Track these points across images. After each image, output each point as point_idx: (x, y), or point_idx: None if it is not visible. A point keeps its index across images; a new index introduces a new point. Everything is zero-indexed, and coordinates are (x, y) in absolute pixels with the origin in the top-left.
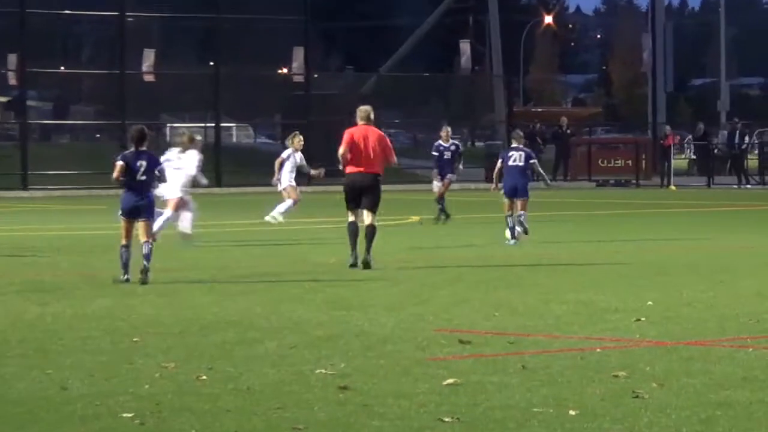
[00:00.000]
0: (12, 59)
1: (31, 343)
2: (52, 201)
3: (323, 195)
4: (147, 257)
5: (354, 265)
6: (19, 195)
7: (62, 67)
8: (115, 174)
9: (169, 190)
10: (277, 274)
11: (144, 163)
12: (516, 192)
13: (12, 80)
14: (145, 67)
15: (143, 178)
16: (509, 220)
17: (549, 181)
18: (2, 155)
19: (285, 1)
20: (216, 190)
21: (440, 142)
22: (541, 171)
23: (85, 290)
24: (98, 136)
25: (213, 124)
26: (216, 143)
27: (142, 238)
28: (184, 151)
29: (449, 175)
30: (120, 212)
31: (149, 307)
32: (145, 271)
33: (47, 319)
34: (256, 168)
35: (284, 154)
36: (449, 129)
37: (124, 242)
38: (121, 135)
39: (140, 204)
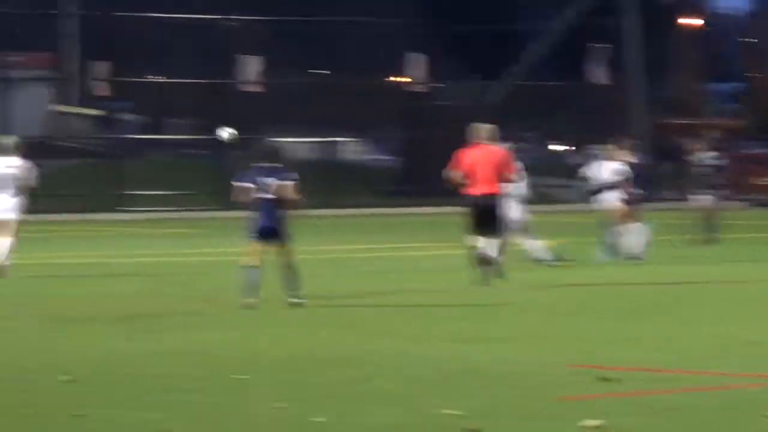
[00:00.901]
0: (101, 68)
1: (128, 380)
2: (144, 224)
3: (437, 217)
4: (293, 285)
5: (482, 283)
6: (110, 217)
7: (157, 77)
8: (234, 196)
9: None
10: (392, 304)
11: (271, 180)
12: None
13: (102, 91)
14: (249, 76)
15: (270, 195)
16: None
17: None
18: (95, 173)
19: (404, 4)
20: (325, 211)
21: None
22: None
23: (190, 322)
24: (196, 152)
25: (322, 139)
26: (326, 160)
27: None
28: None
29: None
30: (252, 234)
31: (259, 342)
32: (294, 300)
33: (144, 355)
34: (369, 186)
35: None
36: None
37: (253, 263)
38: (220, 151)
39: (273, 226)
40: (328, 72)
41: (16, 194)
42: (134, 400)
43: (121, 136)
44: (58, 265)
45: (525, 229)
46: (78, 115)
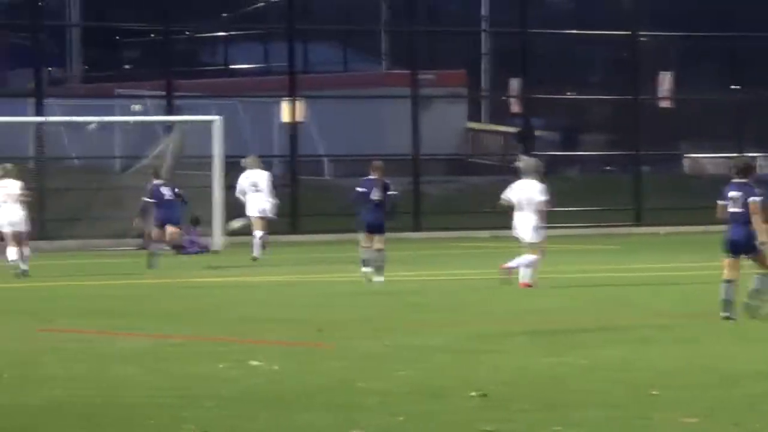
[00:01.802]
0: (514, 84)
1: (541, 396)
2: (559, 240)
3: None
4: (755, 292)
5: None
6: None
7: (569, 93)
8: (717, 213)
9: None
10: None
11: (738, 194)
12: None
13: (515, 108)
14: (661, 93)
15: (737, 210)
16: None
17: None
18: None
19: None
20: None
21: None
22: None
23: (599, 338)
24: (609, 168)
25: (737, 155)
26: None
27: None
28: None
29: None
30: (724, 248)
31: (668, 356)
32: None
33: (556, 370)
34: None
35: None
36: None
37: (727, 277)
38: (634, 167)
39: (740, 239)
40: (740, 87)
41: (535, 215)
42: (549, 414)
43: (535, 153)
44: (468, 281)
45: None
46: (491, 132)
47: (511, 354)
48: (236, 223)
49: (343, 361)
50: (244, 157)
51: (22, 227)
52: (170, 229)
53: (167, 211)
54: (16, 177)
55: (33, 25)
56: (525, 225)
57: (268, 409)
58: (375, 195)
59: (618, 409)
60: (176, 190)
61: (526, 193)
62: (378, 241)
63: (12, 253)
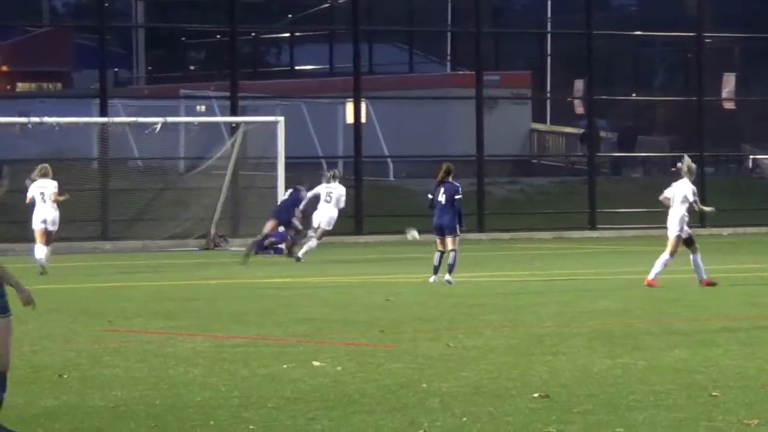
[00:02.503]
0: (579, 86)
1: (602, 397)
2: (622, 241)
3: None
4: None
5: None
6: (586, 235)
7: (633, 94)
8: None
9: None
10: None
11: None
12: None
13: (579, 109)
14: (724, 94)
15: None
16: None
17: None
18: (570, 192)
19: None
20: None
21: None
22: None
23: (659, 340)
24: (673, 169)
25: None
26: None
27: None
28: None
29: None
30: None
31: (731, 358)
32: None
33: (617, 372)
34: None
35: None
36: None
37: None
38: (697, 169)
39: None
40: None
41: (683, 212)
42: (610, 416)
43: (598, 154)
44: (532, 282)
45: None
46: (555, 133)
47: (571, 355)
48: (409, 235)
49: (405, 362)
50: (308, 158)
51: (53, 227)
52: (271, 224)
53: (281, 212)
54: (53, 177)
55: (98, 27)
56: (672, 221)
57: (330, 409)
58: (439, 197)
59: (680, 411)
60: (300, 207)
61: (679, 192)
62: (450, 242)
63: (40, 251)
